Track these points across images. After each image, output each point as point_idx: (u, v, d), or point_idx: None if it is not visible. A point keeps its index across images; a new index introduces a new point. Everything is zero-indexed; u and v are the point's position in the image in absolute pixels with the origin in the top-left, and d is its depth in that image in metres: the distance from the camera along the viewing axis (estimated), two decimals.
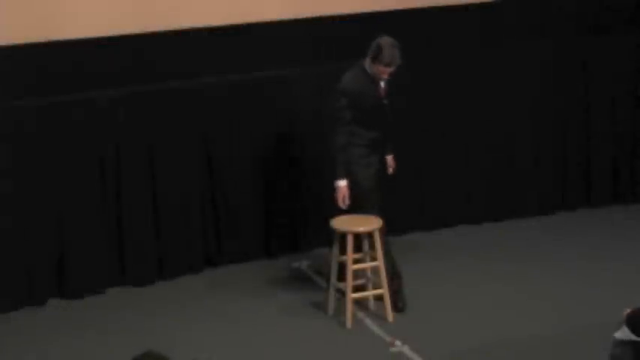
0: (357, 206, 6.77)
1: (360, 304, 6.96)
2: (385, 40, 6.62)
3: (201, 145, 7.59)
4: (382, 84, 6.76)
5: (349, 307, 6.72)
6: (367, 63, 6.69)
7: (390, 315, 6.80)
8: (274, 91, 7.73)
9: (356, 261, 6.78)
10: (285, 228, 7.88)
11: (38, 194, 7.15)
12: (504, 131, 8.40)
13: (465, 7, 8.40)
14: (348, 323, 6.73)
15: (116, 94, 7.34)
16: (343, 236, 6.68)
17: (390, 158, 7.09)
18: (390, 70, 6.65)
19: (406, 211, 8.08)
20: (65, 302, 7.29)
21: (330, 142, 6.73)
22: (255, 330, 6.78)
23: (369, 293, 6.92)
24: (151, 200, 7.49)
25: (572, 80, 8.49)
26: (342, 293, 6.81)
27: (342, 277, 6.76)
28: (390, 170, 7.11)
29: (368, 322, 6.82)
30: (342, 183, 6.70)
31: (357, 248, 6.78)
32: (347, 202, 6.71)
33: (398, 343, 6.47)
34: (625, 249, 7.81)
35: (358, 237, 6.76)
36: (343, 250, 6.70)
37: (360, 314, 6.90)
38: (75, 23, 7.36)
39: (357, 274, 6.85)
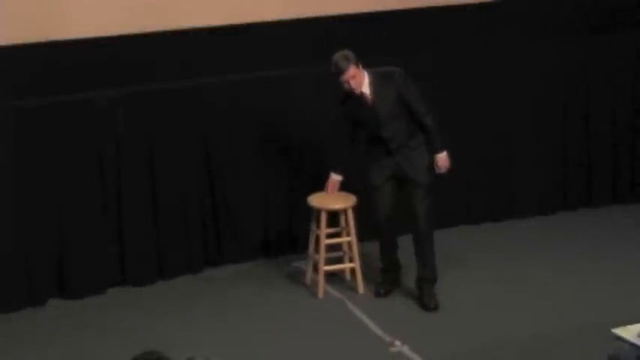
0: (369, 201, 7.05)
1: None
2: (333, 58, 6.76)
3: (200, 145, 7.59)
4: (368, 93, 6.76)
5: (321, 278, 7.14)
6: None
7: (360, 287, 7.20)
8: (274, 91, 7.73)
9: (332, 236, 7.27)
10: (284, 228, 7.88)
11: (38, 194, 7.15)
12: (504, 131, 8.40)
13: (465, 7, 8.40)
14: (320, 293, 7.15)
15: (116, 94, 7.33)
16: (320, 213, 7.13)
17: (439, 157, 6.94)
18: (343, 77, 6.66)
19: (405, 211, 8.06)
20: (65, 302, 7.29)
21: None
22: (254, 330, 6.78)
23: (343, 266, 7.36)
24: (150, 200, 7.48)
25: (572, 80, 8.49)
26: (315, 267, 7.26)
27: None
28: (438, 170, 6.98)
29: (368, 322, 6.82)
30: (333, 175, 7.07)
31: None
32: (332, 192, 7.12)
33: (398, 343, 6.47)
34: (625, 249, 7.81)
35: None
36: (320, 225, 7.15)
37: (361, 314, 6.90)
38: (75, 23, 7.36)
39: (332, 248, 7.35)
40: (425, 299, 6.96)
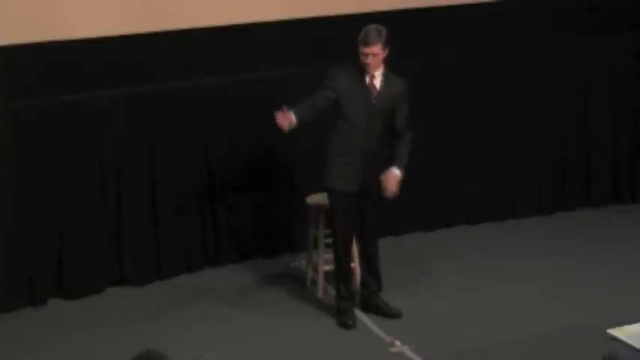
0: (329, 212, 6.77)
1: None
2: (367, 26, 6.51)
3: (200, 145, 7.59)
4: (377, 84, 6.56)
5: (320, 278, 7.12)
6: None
7: (359, 286, 6.98)
8: (274, 91, 7.72)
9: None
10: (284, 228, 7.89)
11: (38, 194, 7.15)
12: (504, 131, 8.41)
13: (465, 7, 8.40)
14: (320, 293, 7.12)
15: (116, 94, 7.34)
16: (318, 212, 7.10)
17: (395, 174, 6.49)
18: (366, 49, 6.41)
19: (406, 211, 8.07)
20: (65, 302, 7.29)
21: None
22: (254, 330, 6.78)
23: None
24: (150, 200, 7.49)
25: (572, 80, 8.49)
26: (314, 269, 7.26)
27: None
28: (386, 193, 6.53)
29: (368, 322, 6.82)
30: (288, 112, 6.46)
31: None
32: (286, 126, 6.44)
33: (398, 343, 6.48)
34: (625, 249, 7.81)
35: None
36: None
37: (361, 314, 6.90)
38: (75, 23, 7.35)
39: None
40: (390, 309, 6.83)
